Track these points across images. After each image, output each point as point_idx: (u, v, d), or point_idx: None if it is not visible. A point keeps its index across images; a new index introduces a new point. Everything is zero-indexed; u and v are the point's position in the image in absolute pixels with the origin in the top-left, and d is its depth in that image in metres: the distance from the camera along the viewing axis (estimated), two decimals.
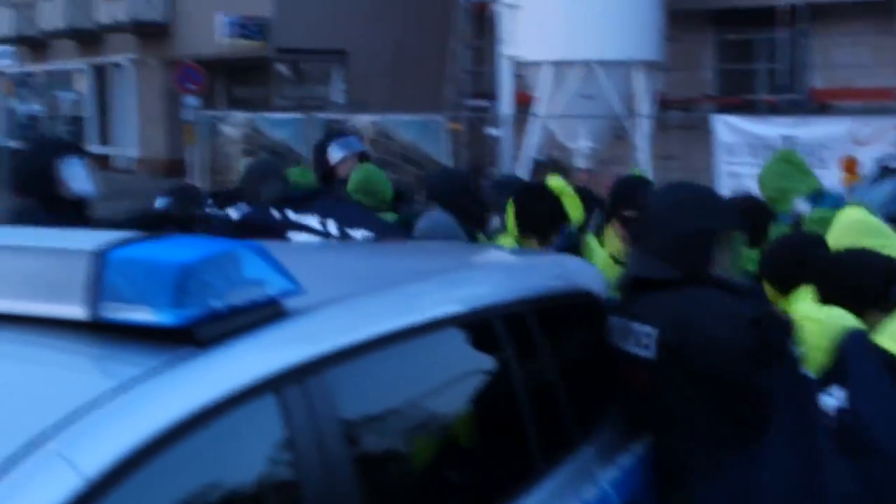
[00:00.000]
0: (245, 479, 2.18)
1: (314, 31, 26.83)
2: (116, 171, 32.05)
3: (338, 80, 28.44)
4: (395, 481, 2.68)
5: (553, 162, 18.43)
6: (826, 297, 3.52)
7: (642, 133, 17.86)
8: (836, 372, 3.28)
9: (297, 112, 22.22)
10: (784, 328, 3.34)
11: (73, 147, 5.14)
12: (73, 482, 1.78)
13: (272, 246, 2.61)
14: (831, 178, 14.37)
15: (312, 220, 4.66)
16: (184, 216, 4.93)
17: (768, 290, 4.03)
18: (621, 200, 4.85)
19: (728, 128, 16.83)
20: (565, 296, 3.69)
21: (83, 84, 37.71)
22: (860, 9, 19.25)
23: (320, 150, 6.60)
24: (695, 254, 3.42)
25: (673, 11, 18.63)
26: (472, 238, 5.19)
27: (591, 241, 5.00)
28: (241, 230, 4.59)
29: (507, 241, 4.90)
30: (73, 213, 4.71)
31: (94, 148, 33.46)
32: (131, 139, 34.65)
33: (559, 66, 17.30)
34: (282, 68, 29.51)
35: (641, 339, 3.42)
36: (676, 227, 3.44)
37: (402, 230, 5.18)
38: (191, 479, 2.04)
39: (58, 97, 39.50)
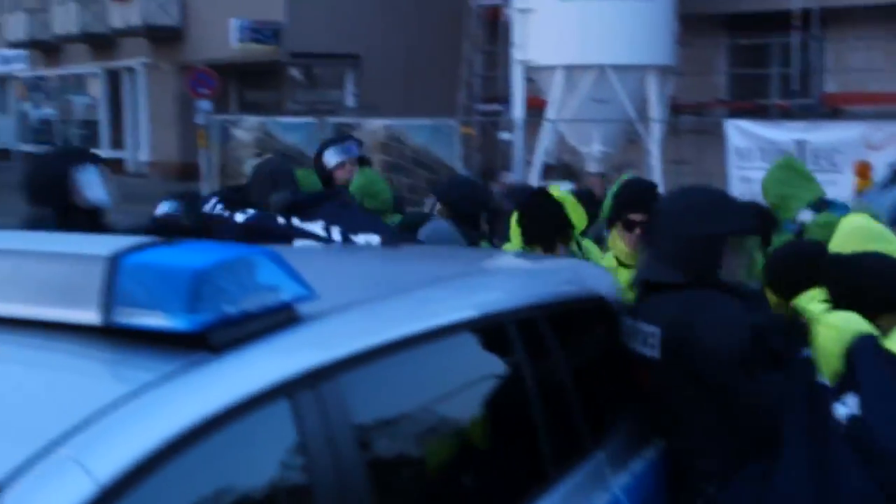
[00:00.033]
0: (258, 485, 2.17)
1: (327, 35, 26.88)
2: (129, 174, 32.13)
3: (350, 85, 28.50)
4: (407, 486, 2.67)
5: (565, 166, 18.45)
6: (839, 302, 3.51)
7: (654, 138, 17.85)
8: (849, 378, 3.26)
9: (309, 116, 22.27)
10: (792, 335, 3.34)
11: (89, 155, 5.11)
12: (86, 488, 1.78)
13: (285, 251, 2.61)
14: (845, 182, 14.36)
15: (317, 228, 4.67)
16: (186, 225, 4.92)
17: (770, 297, 4.02)
18: (625, 204, 4.85)
19: (740, 132, 16.80)
20: (578, 301, 3.69)
21: (96, 88, 37.84)
22: (873, 13, 19.21)
23: (318, 155, 6.62)
24: (702, 258, 3.43)
25: (686, 16, 18.62)
26: (476, 246, 5.21)
27: (590, 246, 5.01)
28: (247, 234, 4.60)
29: (511, 249, 4.91)
30: (87, 221, 4.70)
31: (107, 152, 33.58)
32: (144, 143, 34.76)
33: (571, 70, 17.31)
34: (294, 72, 29.58)
35: (647, 338, 3.45)
36: (684, 231, 3.45)
37: (407, 233, 5.19)
38: (204, 485, 2.04)
39: (71, 101, 39.66)
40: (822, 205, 5.54)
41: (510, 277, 3.72)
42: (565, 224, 4.77)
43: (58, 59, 39.41)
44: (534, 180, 16.85)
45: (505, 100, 19.64)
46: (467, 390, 2.97)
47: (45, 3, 38.19)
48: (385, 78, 26.58)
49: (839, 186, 13.72)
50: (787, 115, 19.15)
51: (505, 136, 19.33)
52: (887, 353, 3.31)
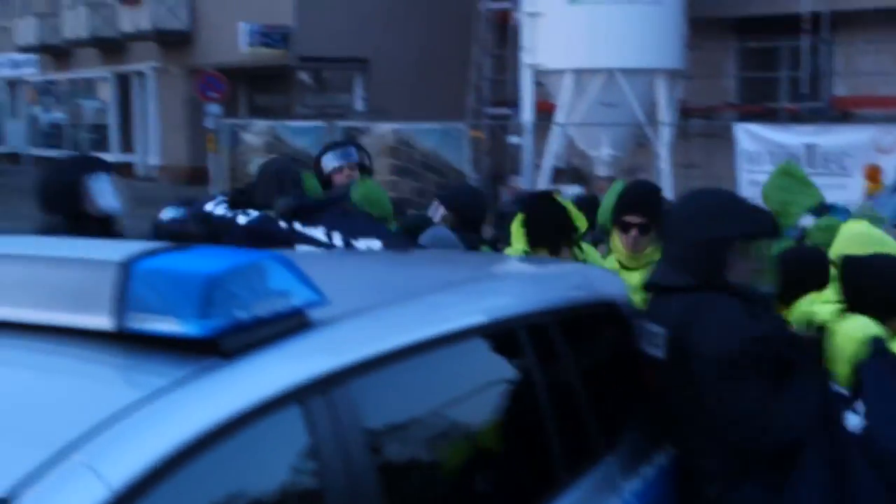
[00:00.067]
0: (270, 490, 2.18)
1: (336, 39, 26.90)
2: (138, 178, 32.20)
3: (359, 89, 28.52)
4: (418, 491, 2.67)
5: (574, 170, 18.46)
6: (850, 305, 3.50)
7: (664, 141, 17.85)
8: (859, 385, 3.26)
9: (318, 120, 22.31)
10: (801, 343, 3.35)
11: (101, 163, 5.12)
12: (99, 493, 1.79)
13: (295, 256, 2.61)
14: (855, 186, 14.34)
15: (318, 233, 4.70)
16: (193, 232, 4.93)
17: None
18: (623, 206, 4.86)
19: (750, 136, 16.80)
20: (588, 305, 3.68)
21: (106, 92, 37.94)
22: (883, 16, 19.17)
23: (318, 159, 6.64)
24: (709, 262, 3.44)
25: (694, 19, 18.60)
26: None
27: (589, 250, 5.02)
28: (249, 237, 4.61)
29: (513, 253, 4.92)
30: (99, 229, 4.71)
31: (117, 155, 33.69)
32: (153, 147, 34.83)
33: (581, 74, 17.31)
34: (303, 76, 29.63)
35: (654, 339, 3.46)
36: (692, 234, 3.47)
37: (408, 238, 5.21)
38: (216, 490, 2.05)
39: (80, 105, 39.75)
40: (822, 209, 5.55)
41: (520, 282, 3.72)
42: (570, 227, 4.78)
43: (68, 63, 39.53)
44: (543, 184, 16.86)
45: (514, 104, 19.64)
46: (478, 395, 2.97)
47: (56, 8, 38.32)
48: (394, 82, 26.59)
49: (849, 190, 13.72)
50: (796, 118, 19.12)
51: (514, 139, 19.34)
52: (893, 356, 3.30)
